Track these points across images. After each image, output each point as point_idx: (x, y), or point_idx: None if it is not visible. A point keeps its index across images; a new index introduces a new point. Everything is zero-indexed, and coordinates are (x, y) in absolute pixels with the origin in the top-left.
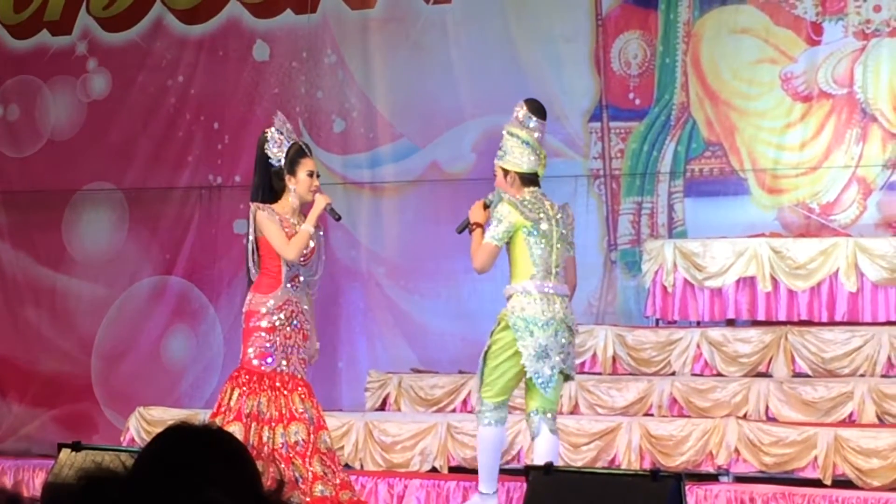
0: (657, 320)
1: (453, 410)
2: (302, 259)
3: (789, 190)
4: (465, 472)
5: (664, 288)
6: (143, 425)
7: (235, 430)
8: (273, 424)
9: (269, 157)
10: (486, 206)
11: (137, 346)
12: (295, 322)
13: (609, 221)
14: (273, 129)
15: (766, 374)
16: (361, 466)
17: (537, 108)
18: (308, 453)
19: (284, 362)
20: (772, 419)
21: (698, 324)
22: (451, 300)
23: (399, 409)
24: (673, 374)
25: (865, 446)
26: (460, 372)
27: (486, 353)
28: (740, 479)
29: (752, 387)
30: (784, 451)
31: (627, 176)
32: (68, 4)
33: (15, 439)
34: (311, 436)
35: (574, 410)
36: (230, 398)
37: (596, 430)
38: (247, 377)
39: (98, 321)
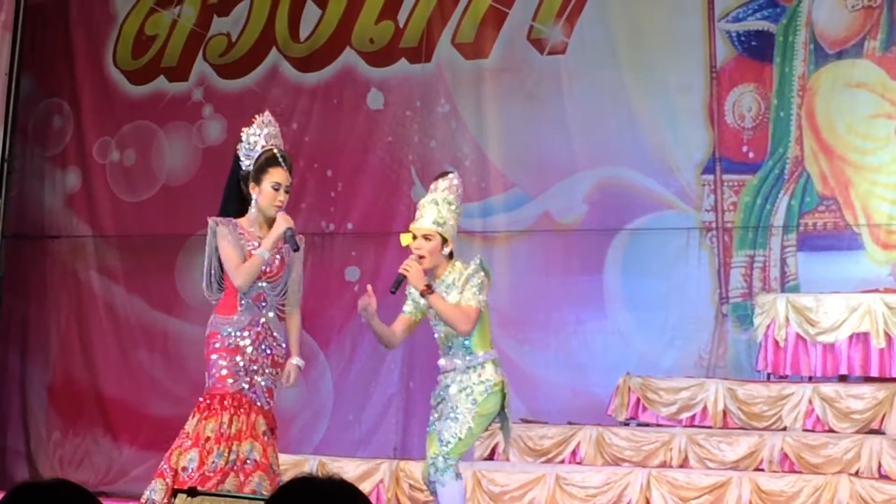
0: (769, 374)
1: (562, 461)
2: (267, 278)
3: None
4: None
5: (776, 342)
6: None
7: (192, 455)
8: (234, 442)
9: (240, 161)
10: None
11: None
12: (263, 346)
13: (721, 274)
14: (250, 128)
15: (878, 431)
16: None
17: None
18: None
19: (246, 385)
20: (884, 477)
21: (810, 379)
22: (561, 351)
23: (508, 459)
24: (784, 429)
25: None
26: (569, 423)
27: (476, 417)
28: None
29: (864, 443)
30: None
31: (740, 229)
32: (185, 51)
33: (125, 482)
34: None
35: (684, 464)
36: (191, 424)
37: (706, 484)
38: (208, 401)
39: None
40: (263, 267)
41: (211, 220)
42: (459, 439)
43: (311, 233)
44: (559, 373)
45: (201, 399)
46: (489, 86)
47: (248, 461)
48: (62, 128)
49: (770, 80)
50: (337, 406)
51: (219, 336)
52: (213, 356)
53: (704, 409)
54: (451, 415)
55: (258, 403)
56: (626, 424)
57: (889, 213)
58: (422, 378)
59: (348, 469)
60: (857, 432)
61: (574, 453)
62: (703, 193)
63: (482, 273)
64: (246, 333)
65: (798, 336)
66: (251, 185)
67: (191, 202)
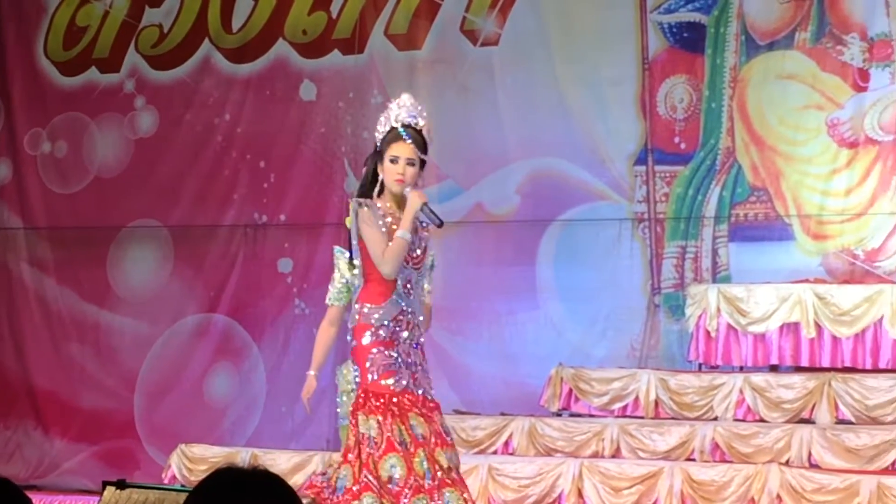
0: (700, 365)
1: (494, 452)
2: (414, 264)
3: (834, 236)
4: None
5: (707, 332)
6: (184, 462)
7: (394, 462)
8: (431, 447)
9: (376, 143)
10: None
11: (180, 383)
12: (413, 336)
13: (653, 265)
14: (395, 101)
15: (809, 421)
16: None
17: None
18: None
19: (411, 381)
20: (814, 466)
21: (741, 369)
22: (494, 342)
23: None
24: (715, 419)
25: None
26: (501, 414)
27: None
28: None
29: (794, 433)
30: (826, 499)
31: (672, 220)
32: (117, 42)
33: (57, 475)
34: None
35: (616, 454)
36: (369, 428)
37: (637, 474)
38: (377, 402)
39: (141, 358)
40: (410, 251)
41: (353, 202)
42: None
43: (244, 224)
44: (492, 364)
45: (362, 398)
46: (422, 77)
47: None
48: None
49: (702, 72)
50: (270, 398)
51: (372, 327)
52: (373, 350)
53: (636, 399)
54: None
55: (429, 397)
56: (559, 415)
57: (819, 204)
58: None
59: (281, 461)
60: (788, 422)
61: (507, 444)
62: (635, 184)
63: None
64: (399, 324)
65: (729, 326)
66: (378, 165)
67: (123, 194)
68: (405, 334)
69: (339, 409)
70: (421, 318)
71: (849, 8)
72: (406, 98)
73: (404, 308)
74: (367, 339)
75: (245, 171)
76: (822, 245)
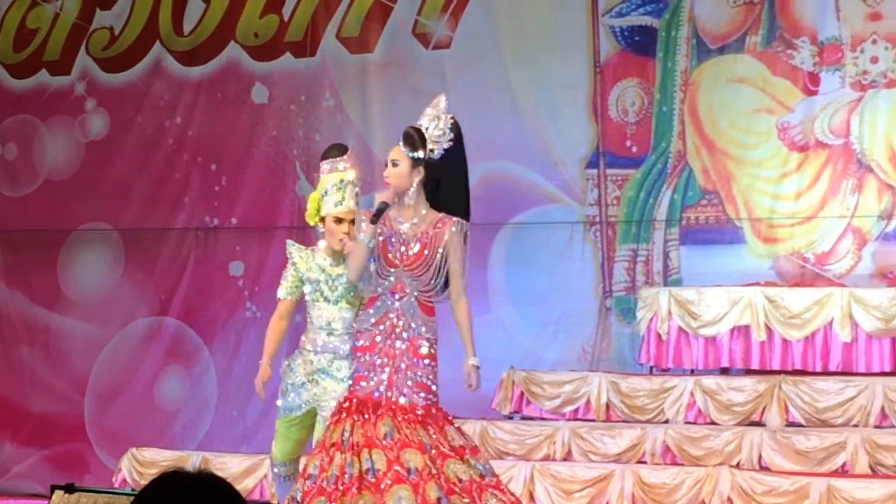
0: (651, 368)
1: None
2: (405, 265)
3: (785, 239)
4: None
5: (658, 335)
6: (135, 466)
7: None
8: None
9: None
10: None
11: (131, 386)
12: (398, 340)
13: (604, 268)
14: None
15: (759, 423)
16: None
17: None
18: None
19: (388, 385)
20: (765, 468)
21: (692, 372)
22: (446, 345)
23: None
24: (666, 421)
25: (858, 497)
26: (453, 417)
27: None
28: None
29: (745, 436)
30: (777, 501)
31: (623, 223)
32: (68, 44)
33: (6, 479)
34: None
35: (567, 457)
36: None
37: (588, 476)
38: (344, 404)
39: (92, 361)
40: (398, 251)
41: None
42: None
43: (195, 227)
44: (443, 366)
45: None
46: (374, 80)
47: (370, 473)
48: None
49: (653, 75)
50: (221, 401)
51: (357, 332)
52: (357, 354)
53: (588, 402)
54: None
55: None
56: (510, 418)
57: (770, 208)
58: None
59: (232, 465)
60: (738, 424)
61: None
62: (587, 188)
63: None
64: (383, 327)
65: (680, 329)
66: None
67: (73, 197)
68: (386, 340)
69: (278, 402)
70: (420, 321)
71: (799, 12)
72: (437, 100)
73: (389, 311)
74: (355, 343)
75: (196, 173)
76: (773, 248)
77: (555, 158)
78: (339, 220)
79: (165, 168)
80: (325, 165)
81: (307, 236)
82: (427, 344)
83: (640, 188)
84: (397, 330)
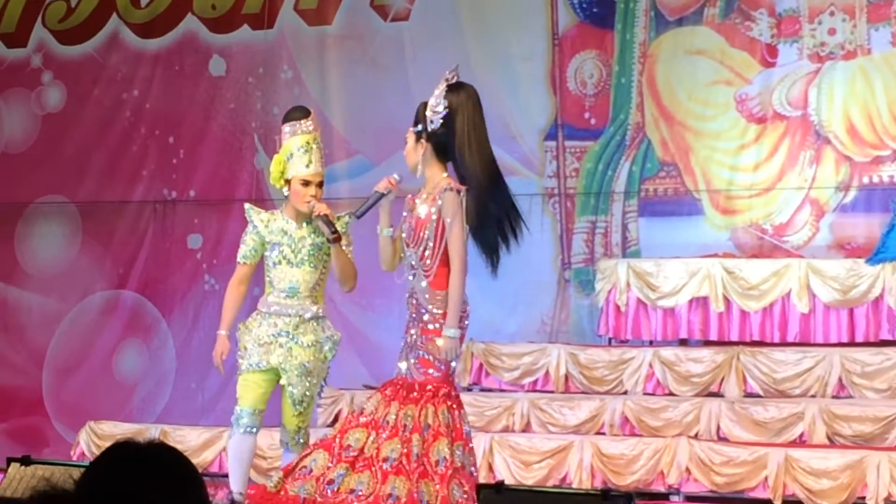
0: (610, 339)
1: None
2: (407, 242)
3: (743, 211)
4: None
5: (617, 307)
6: (93, 439)
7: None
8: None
9: None
10: None
11: (89, 360)
12: (415, 316)
13: (563, 240)
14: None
15: (717, 394)
16: None
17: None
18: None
19: (403, 364)
20: (723, 439)
21: (651, 343)
22: (404, 317)
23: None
24: (625, 393)
25: (816, 467)
26: None
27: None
28: (691, 499)
29: (703, 406)
30: (735, 471)
31: (582, 195)
32: (24, 16)
33: None
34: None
35: (526, 428)
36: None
37: (547, 448)
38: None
39: (50, 335)
40: (403, 233)
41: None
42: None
43: (153, 200)
44: (401, 338)
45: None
46: (332, 52)
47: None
48: None
49: (611, 47)
50: (179, 374)
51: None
52: None
53: (547, 374)
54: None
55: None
56: (469, 390)
57: (728, 179)
58: None
59: (191, 437)
60: (697, 395)
61: None
62: (545, 160)
63: None
64: (408, 305)
65: (639, 301)
66: None
67: (30, 170)
68: (411, 314)
69: (240, 360)
70: (426, 295)
71: None
72: (449, 73)
73: (409, 289)
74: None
75: (154, 146)
76: (731, 220)
77: (513, 131)
78: (306, 183)
79: (123, 141)
80: (286, 128)
81: (265, 209)
82: (432, 319)
83: (599, 160)
84: (410, 308)
